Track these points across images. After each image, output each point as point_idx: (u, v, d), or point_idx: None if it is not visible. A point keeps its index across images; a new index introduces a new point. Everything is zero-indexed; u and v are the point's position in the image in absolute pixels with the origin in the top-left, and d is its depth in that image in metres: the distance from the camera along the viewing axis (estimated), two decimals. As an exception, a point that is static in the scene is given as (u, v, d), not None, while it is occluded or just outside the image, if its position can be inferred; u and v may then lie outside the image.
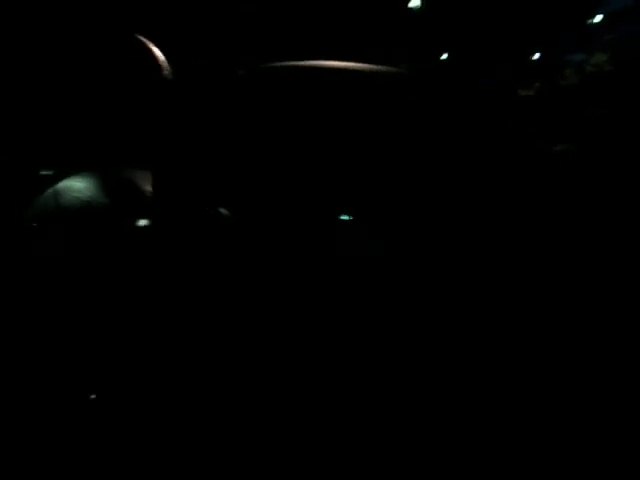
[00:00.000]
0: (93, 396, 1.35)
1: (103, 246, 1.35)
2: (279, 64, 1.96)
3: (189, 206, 1.45)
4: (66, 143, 1.62)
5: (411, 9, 9.17)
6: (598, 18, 10.42)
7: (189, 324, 1.40)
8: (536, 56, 10.46)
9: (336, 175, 1.83)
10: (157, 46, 1.60)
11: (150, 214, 1.40)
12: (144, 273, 1.35)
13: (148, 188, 1.47)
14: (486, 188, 1.97)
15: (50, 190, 1.42)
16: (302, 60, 2.05)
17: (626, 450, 1.50)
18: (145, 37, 1.60)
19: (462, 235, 1.90)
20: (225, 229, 1.51)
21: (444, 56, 11.29)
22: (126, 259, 1.35)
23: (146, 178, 1.51)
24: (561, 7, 9.54)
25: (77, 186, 1.41)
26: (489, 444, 1.54)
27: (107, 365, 1.38)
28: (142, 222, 1.38)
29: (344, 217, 1.86)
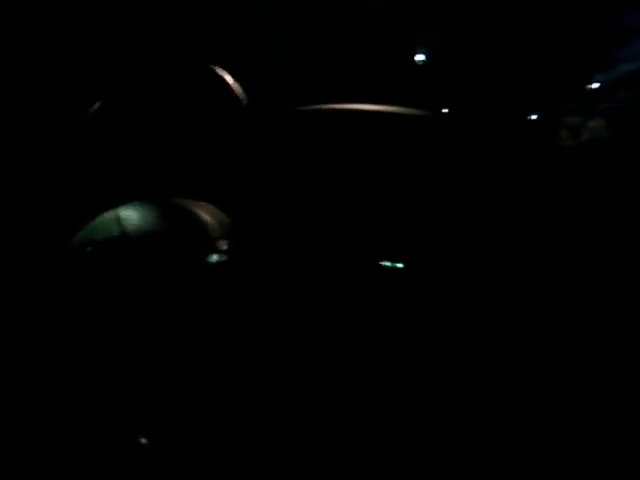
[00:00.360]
0: (144, 440, 1.29)
1: (167, 277, 1.31)
2: (315, 107, 1.98)
3: (262, 238, 1.42)
4: (126, 171, 1.61)
5: (416, 62, 9.44)
6: (596, 85, 10.79)
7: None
8: (534, 117, 10.77)
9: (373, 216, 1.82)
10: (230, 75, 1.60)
11: (213, 247, 1.37)
12: (209, 307, 1.31)
13: (207, 219, 1.44)
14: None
15: (107, 216, 1.38)
16: (328, 104, 2.07)
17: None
18: (219, 67, 1.61)
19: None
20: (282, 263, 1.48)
21: (445, 110, 11.55)
22: (192, 292, 1.30)
23: (202, 208, 1.48)
24: (562, 72, 9.89)
25: (137, 213, 1.37)
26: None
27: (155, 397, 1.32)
28: (214, 257, 1.34)
29: (388, 263, 1.84)
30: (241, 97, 1.59)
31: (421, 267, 1.82)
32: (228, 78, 1.60)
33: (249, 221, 1.48)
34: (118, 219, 1.35)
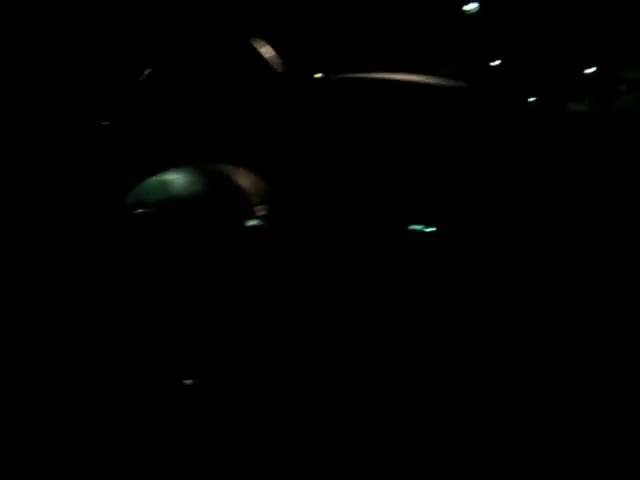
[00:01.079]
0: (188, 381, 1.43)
1: (209, 237, 1.43)
2: (348, 75, 2.03)
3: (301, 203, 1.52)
4: (167, 140, 1.71)
5: (466, 13, 9.11)
6: (660, 37, 10.18)
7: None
8: (591, 70, 10.29)
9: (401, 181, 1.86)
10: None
11: (252, 212, 1.47)
12: (250, 268, 1.43)
13: (247, 185, 1.54)
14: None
15: (156, 180, 1.50)
16: (369, 71, 2.10)
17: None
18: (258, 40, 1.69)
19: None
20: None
21: (496, 62, 11.13)
22: (232, 255, 1.42)
23: (242, 175, 1.58)
24: (621, 22, 9.37)
25: (183, 178, 1.49)
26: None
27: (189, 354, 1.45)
28: (252, 222, 1.45)
29: (418, 227, 1.90)
30: (276, 66, 1.67)
31: (452, 231, 1.88)
32: (265, 49, 1.68)
33: (286, 188, 1.57)
34: (166, 183, 1.47)
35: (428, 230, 1.91)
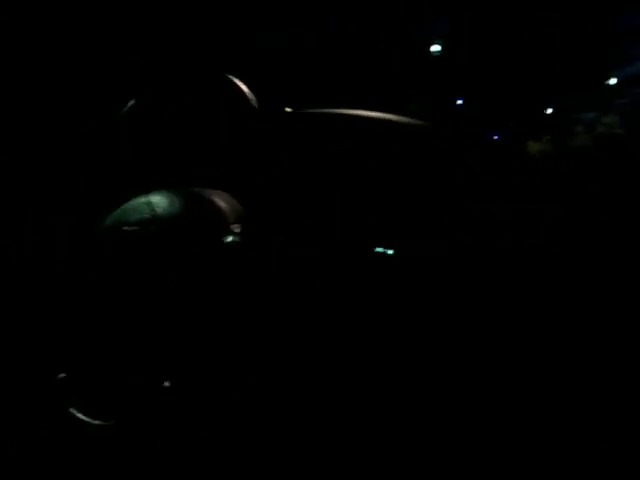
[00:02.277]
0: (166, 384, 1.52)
1: (190, 253, 1.57)
2: (315, 110, 2.21)
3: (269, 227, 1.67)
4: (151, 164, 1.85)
5: (432, 53, 9.57)
6: (613, 81, 10.82)
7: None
8: (549, 111, 10.83)
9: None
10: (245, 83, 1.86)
11: (228, 230, 1.62)
12: (227, 285, 1.56)
13: (223, 206, 1.69)
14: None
15: (139, 200, 1.64)
16: (333, 107, 2.28)
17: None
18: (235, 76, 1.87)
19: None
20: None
21: (459, 101, 11.59)
22: (212, 270, 1.56)
23: (219, 196, 1.73)
24: (579, 67, 9.94)
25: (165, 200, 1.63)
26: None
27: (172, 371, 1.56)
28: (229, 238, 1.60)
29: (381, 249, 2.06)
30: (253, 102, 1.85)
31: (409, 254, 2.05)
32: (242, 86, 1.86)
33: (258, 209, 1.73)
34: (149, 203, 1.61)
35: (389, 252, 2.09)
